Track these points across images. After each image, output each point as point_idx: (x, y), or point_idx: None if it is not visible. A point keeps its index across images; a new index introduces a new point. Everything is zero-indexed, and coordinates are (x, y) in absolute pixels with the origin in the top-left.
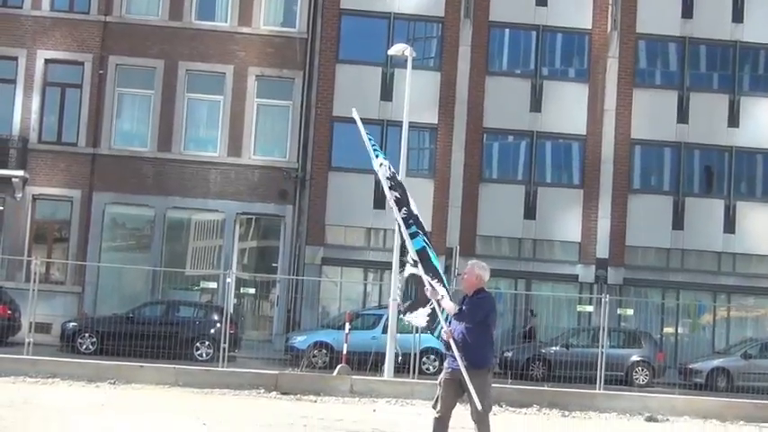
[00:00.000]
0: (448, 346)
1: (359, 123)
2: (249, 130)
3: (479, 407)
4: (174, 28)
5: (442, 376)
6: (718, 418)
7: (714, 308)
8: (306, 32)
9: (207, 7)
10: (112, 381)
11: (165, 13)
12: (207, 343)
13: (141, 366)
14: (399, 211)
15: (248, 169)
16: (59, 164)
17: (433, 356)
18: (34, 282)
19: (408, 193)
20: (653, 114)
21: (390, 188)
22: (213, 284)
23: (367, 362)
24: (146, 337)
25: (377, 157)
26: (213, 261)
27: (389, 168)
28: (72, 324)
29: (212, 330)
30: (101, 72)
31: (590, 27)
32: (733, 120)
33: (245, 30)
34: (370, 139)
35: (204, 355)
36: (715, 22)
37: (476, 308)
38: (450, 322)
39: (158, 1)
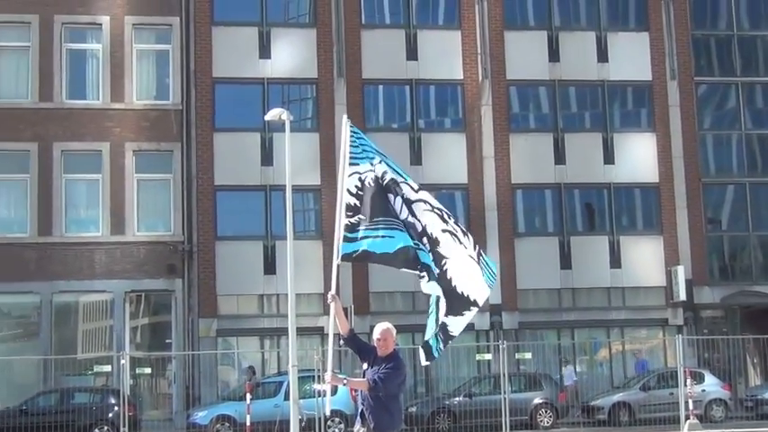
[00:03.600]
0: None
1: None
2: (131, 206)
3: None
4: (45, 109)
5: None
6: None
7: (609, 343)
8: (180, 104)
9: (78, 86)
10: None
11: (34, 94)
12: (106, 428)
13: None
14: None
15: (133, 246)
16: None
17: (338, 419)
18: None
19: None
20: (531, 158)
21: (354, 195)
22: (107, 368)
23: (272, 431)
24: (42, 429)
25: (356, 164)
26: (105, 342)
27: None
28: None
29: (110, 414)
30: None
31: (462, 77)
32: (608, 157)
33: (118, 106)
34: (359, 144)
35: None
36: (581, 63)
37: (390, 379)
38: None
39: (27, 83)
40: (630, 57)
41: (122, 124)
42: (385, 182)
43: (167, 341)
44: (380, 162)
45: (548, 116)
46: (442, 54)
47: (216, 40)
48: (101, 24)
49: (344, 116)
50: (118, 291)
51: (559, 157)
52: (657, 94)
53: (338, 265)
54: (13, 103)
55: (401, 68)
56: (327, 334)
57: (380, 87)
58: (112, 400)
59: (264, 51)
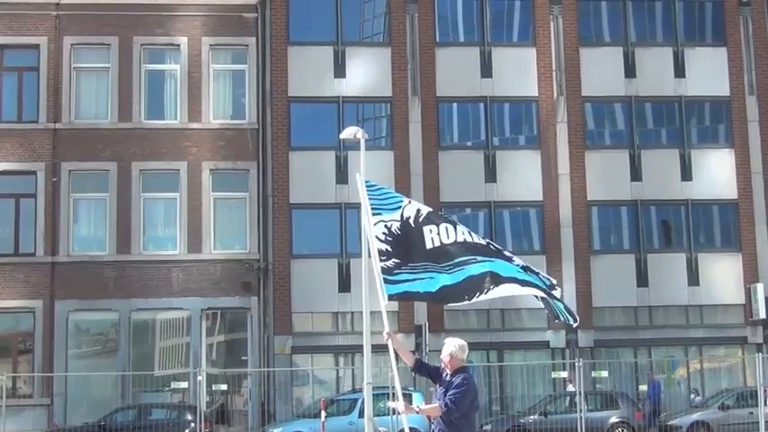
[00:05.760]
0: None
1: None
2: (207, 224)
3: None
4: (124, 129)
5: None
6: None
7: (687, 362)
8: (256, 123)
9: (156, 106)
10: None
11: (114, 115)
12: None
13: None
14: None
15: (210, 264)
16: (18, 275)
17: None
18: (1, 398)
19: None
20: (606, 175)
21: (384, 240)
22: (184, 384)
23: None
24: None
25: (379, 214)
26: (182, 359)
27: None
28: None
29: (187, 430)
30: (54, 180)
31: (536, 94)
32: (685, 173)
33: (195, 125)
34: (377, 196)
35: None
36: (658, 79)
37: (462, 399)
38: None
39: (107, 104)
40: (708, 72)
41: (199, 144)
42: (422, 217)
43: (243, 358)
44: (410, 202)
45: (623, 132)
46: (517, 71)
47: (291, 59)
48: (178, 45)
49: (357, 174)
50: (194, 308)
51: (636, 174)
52: (736, 110)
53: (385, 306)
54: (92, 123)
55: (475, 86)
56: (391, 368)
57: (455, 105)
58: (189, 417)
59: (339, 70)
